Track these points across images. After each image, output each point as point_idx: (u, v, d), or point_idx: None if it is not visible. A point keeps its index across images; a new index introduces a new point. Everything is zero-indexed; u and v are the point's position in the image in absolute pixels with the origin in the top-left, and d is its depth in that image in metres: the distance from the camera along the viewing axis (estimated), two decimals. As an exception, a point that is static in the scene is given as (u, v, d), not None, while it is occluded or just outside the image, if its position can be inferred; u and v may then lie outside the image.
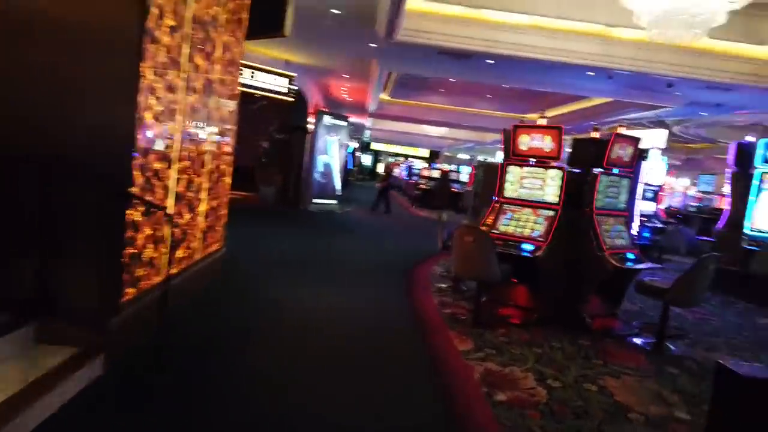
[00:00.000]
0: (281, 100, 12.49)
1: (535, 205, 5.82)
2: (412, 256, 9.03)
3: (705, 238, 10.08)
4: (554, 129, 5.76)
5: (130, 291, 3.69)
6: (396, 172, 34.80)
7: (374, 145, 48.06)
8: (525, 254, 5.39)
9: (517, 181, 6.01)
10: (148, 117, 3.65)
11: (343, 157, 16.74)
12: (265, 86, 11.99)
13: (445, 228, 6.97)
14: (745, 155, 9.00)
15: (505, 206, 6.03)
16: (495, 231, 5.83)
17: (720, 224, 9.48)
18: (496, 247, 5.29)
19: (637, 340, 5.33)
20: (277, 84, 12.21)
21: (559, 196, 5.65)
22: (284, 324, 4.77)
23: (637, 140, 5.97)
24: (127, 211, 3.53)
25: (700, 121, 18.11)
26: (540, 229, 5.62)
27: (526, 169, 5.96)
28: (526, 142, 5.94)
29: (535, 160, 5.89)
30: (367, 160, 45.23)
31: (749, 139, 9.21)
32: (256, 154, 15.36)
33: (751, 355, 5.27)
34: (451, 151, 44.70)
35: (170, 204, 4.26)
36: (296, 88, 12.61)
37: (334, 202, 15.44)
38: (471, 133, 30.80)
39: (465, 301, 6.13)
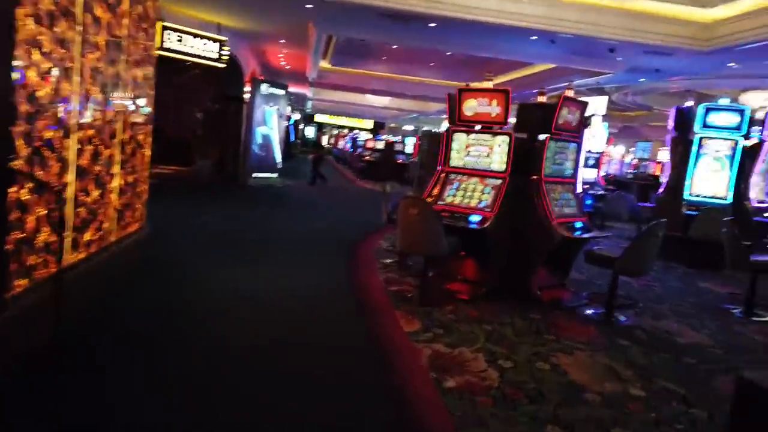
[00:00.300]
0: (213, 66, 11.68)
1: (482, 173, 5.53)
2: (356, 230, 8.66)
3: (646, 204, 10.17)
4: (501, 92, 5.45)
5: (21, 283, 3.14)
6: (340, 144, 34.19)
7: (318, 117, 47.00)
8: (472, 226, 5.12)
9: (463, 149, 5.69)
10: (31, 75, 3.06)
11: (284, 129, 16.07)
12: (194, 51, 11.12)
13: (390, 200, 6.61)
14: (684, 120, 9.03)
15: (451, 176, 5.72)
16: (441, 202, 5.52)
17: (660, 190, 9.56)
18: (443, 219, 4.99)
19: (587, 311, 5.20)
20: (208, 49, 11.36)
21: (507, 164, 5.38)
22: (211, 312, 4.31)
23: (584, 104, 5.76)
24: (10, 189, 2.96)
25: (637, 88, 18.43)
26: (487, 199, 5.35)
27: (472, 136, 5.64)
28: (472, 107, 5.61)
29: (481, 125, 5.58)
30: (310, 132, 44.19)
31: (688, 104, 9.26)
32: (192, 125, 14.48)
33: (697, 321, 5.23)
34: (396, 122, 44.34)
35: (70, 179, 3.68)
36: (229, 54, 11.80)
37: (274, 175, 14.81)
38: (415, 103, 30.49)
39: (412, 277, 5.83)
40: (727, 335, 4.88)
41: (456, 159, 5.73)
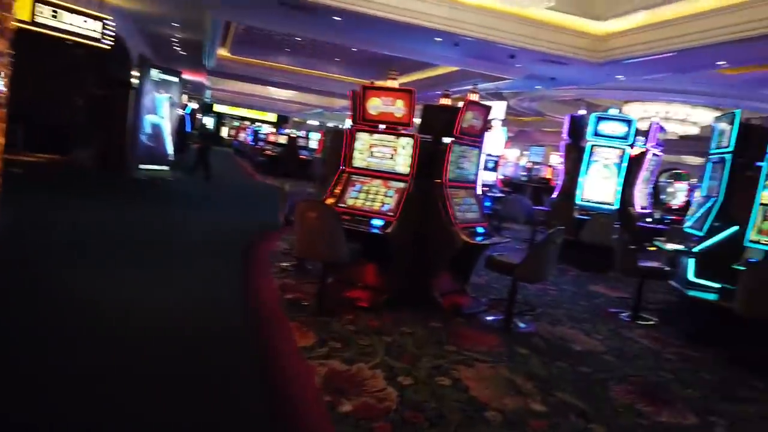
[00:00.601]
0: (97, 48, 10.58)
1: (386, 175, 5.30)
2: (253, 229, 8.16)
3: (540, 207, 10.53)
4: (405, 92, 5.24)
5: None
6: (241, 136, 32.91)
7: (217, 107, 45.02)
8: (375, 230, 4.87)
9: (367, 149, 5.43)
10: None
11: (176, 118, 15.00)
12: (72, 29, 10.00)
13: (289, 199, 6.22)
14: (577, 128, 9.42)
15: (354, 177, 5.44)
16: (342, 205, 5.22)
17: (554, 194, 9.91)
18: (344, 222, 4.69)
19: (487, 318, 5.14)
20: (89, 28, 10.27)
21: (411, 167, 5.19)
22: (65, 331, 3.71)
23: (488, 108, 5.70)
24: None
25: (532, 95, 19.25)
26: (390, 202, 5.13)
27: (375, 136, 5.39)
28: (376, 106, 5.36)
29: (385, 126, 5.35)
30: (209, 122, 42.17)
31: (581, 112, 9.68)
32: (71, 110, 13.07)
33: (590, 326, 5.35)
34: (301, 116, 43.49)
35: None
36: (114, 34, 10.74)
37: (165, 168, 13.74)
38: (320, 98, 30.01)
39: (310, 282, 5.48)
40: (617, 340, 5.00)
41: (359, 159, 5.45)
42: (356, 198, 5.27)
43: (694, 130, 17.85)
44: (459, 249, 5.02)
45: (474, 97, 5.58)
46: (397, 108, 5.23)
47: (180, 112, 16.56)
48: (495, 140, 12.90)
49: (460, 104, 5.25)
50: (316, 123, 41.69)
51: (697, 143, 20.56)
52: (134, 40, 13.47)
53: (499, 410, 3.25)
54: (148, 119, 13.10)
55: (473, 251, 5.41)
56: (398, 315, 4.77)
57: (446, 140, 5.30)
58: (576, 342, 4.80)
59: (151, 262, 5.64)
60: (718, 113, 17.34)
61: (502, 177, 15.90)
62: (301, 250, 4.90)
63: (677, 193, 17.83)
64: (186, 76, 17.38)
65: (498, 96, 18.55)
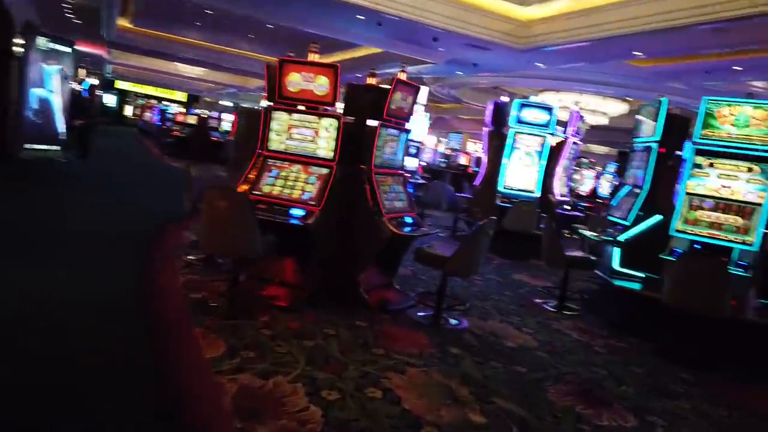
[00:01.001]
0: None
1: (307, 160, 4.80)
2: (156, 218, 7.36)
3: (462, 194, 10.41)
4: (329, 68, 4.75)
5: None
6: (147, 116, 30.74)
7: (120, 84, 41.90)
8: (294, 221, 4.38)
9: (285, 131, 4.89)
10: None
11: (68, 93, 13.52)
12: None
13: (197, 184, 5.56)
14: (500, 115, 9.32)
15: (270, 161, 4.89)
16: (257, 192, 4.67)
17: (477, 181, 9.80)
18: (258, 213, 4.17)
19: (417, 314, 4.82)
20: (-43, -18, 8.83)
21: (335, 151, 4.72)
22: None
23: (417, 89, 5.33)
24: None
25: (453, 81, 19.26)
26: (312, 190, 4.64)
27: (295, 116, 4.87)
28: (295, 82, 4.83)
29: (305, 105, 4.84)
30: (111, 100, 39.10)
31: (504, 99, 9.58)
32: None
33: (518, 319, 5.18)
34: (213, 96, 41.45)
35: None
36: (-11, -8, 9.35)
37: (56, 147, 12.34)
38: (233, 77, 28.64)
39: (219, 280, 4.88)
40: (547, 334, 4.85)
41: (276, 142, 4.91)
42: (273, 185, 4.74)
43: (603, 121, 18.60)
44: (387, 241, 4.65)
45: (403, 77, 5.19)
46: (320, 85, 4.73)
47: (75, 86, 15.03)
48: (418, 126, 12.66)
49: (387, 87, 4.85)
50: (229, 104, 39.86)
51: (606, 133, 21.57)
52: (18, 3, 11.90)
53: (435, 424, 2.91)
54: (35, 93, 11.69)
55: (402, 243, 5.05)
56: (321, 315, 4.32)
57: (372, 123, 4.88)
58: (507, 338, 4.59)
59: (32, 257, 4.82)
60: (626, 105, 18.19)
61: (423, 164, 15.74)
62: (209, 244, 4.32)
63: (585, 180, 18.62)
64: (82, 47, 15.76)
65: (419, 81, 18.38)
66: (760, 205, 4.63)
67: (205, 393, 2.96)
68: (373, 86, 5.22)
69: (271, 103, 4.95)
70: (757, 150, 4.69)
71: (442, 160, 22.98)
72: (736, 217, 4.74)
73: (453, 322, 4.75)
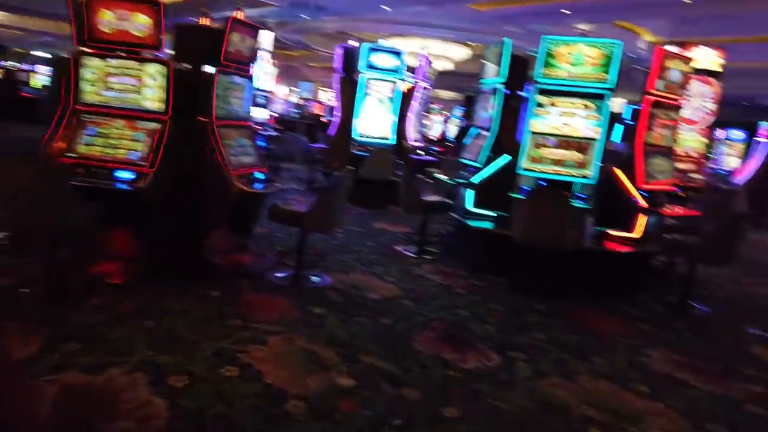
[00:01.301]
0: None
1: (132, 114, 4.13)
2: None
3: (318, 145, 10.04)
4: (148, 4, 4.05)
5: None
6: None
7: None
8: (122, 186, 3.77)
9: (101, 80, 4.15)
10: None
11: None
12: None
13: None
14: (350, 60, 9.01)
15: (86, 117, 4.13)
16: (72, 155, 3.94)
17: (331, 131, 9.50)
18: (75, 179, 3.51)
19: (276, 275, 4.50)
20: None
21: (167, 102, 4.11)
22: None
23: (257, 30, 4.81)
24: None
25: (299, 26, 18.42)
26: (141, 148, 4.01)
27: (113, 62, 4.13)
28: (108, 21, 4.08)
29: (124, 49, 4.12)
30: None
31: (353, 44, 9.26)
32: None
33: (381, 268, 5.09)
34: (23, 46, 35.79)
35: None
36: None
37: None
38: (46, 23, 24.83)
39: (32, 262, 4.11)
40: (410, 281, 4.82)
41: (91, 93, 4.15)
42: (92, 144, 4.02)
43: (449, 66, 19.11)
44: (236, 200, 4.22)
45: (240, 17, 4.63)
46: (138, 25, 4.04)
47: None
48: (265, 73, 11.90)
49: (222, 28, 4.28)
50: (46, 55, 34.77)
51: (452, 78, 22.27)
52: None
53: (301, 397, 2.68)
54: None
55: (253, 201, 4.65)
56: (165, 289, 3.82)
57: (210, 69, 4.32)
58: (371, 289, 4.47)
59: None
60: (469, 50, 18.82)
61: (275, 115, 15.02)
62: (13, 223, 3.56)
63: (434, 126, 19.22)
64: None
65: (263, 25, 17.31)
66: (595, 140, 4.92)
67: (17, 400, 2.42)
68: (207, 27, 4.63)
69: (79, 48, 4.15)
70: (591, 88, 4.93)
71: (295, 110, 22.27)
72: (576, 153, 5.00)
73: (315, 279, 4.51)
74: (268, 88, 12.17)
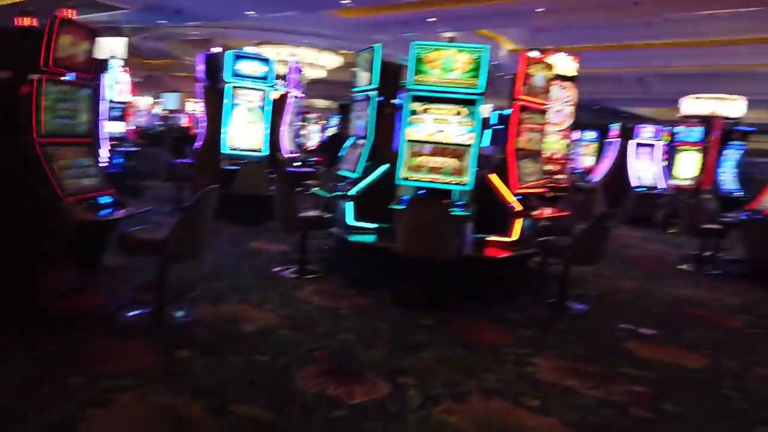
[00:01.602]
0: None
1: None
2: None
3: (184, 160, 9.25)
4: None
5: None
6: None
7: None
8: None
9: None
10: None
11: None
12: None
13: None
14: (213, 68, 8.39)
15: None
16: None
17: (197, 144, 8.79)
18: None
19: (132, 314, 3.88)
20: None
21: (-28, 118, 3.38)
22: None
23: (92, 32, 4.16)
24: None
25: (158, 32, 17.22)
26: (-59, 175, 3.26)
27: None
28: None
29: None
30: None
31: (216, 50, 8.65)
32: None
33: (258, 294, 4.64)
34: None
35: None
36: None
37: None
38: None
39: None
40: (290, 307, 4.42)
41: None
42: None
43: (322, 74, 18.90)
44: (76, 230, 3.59)
45: (70, 15, 3.98)
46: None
47: None
48: (119, 83, 10.83)
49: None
50: None
51: (325, 87, 22.07)
52: None
53: (158, 471, 2.22)
54: None
55: (99, 230, 4.01)
56: (-16, 347, 3.12)
57: (34, 76, 3.65)
58: (246, 320, 4.02)
59: None
60: (341, 58, 18.74)
61: (134, 128, 13.77)
62: None
63: (311, 135, 18.87)
64: None
65: (117, 31, 15.89)
66: (470, 146, 4.88)
67: None
68: (29, 28, 3.93)
69: None
70: (462, 93, 4.89)
71: (160, 123, 20.79)
72: (452, 160, 4.93)
73: (179, 315, 3.97)
74: (124, 99, 11.08)
